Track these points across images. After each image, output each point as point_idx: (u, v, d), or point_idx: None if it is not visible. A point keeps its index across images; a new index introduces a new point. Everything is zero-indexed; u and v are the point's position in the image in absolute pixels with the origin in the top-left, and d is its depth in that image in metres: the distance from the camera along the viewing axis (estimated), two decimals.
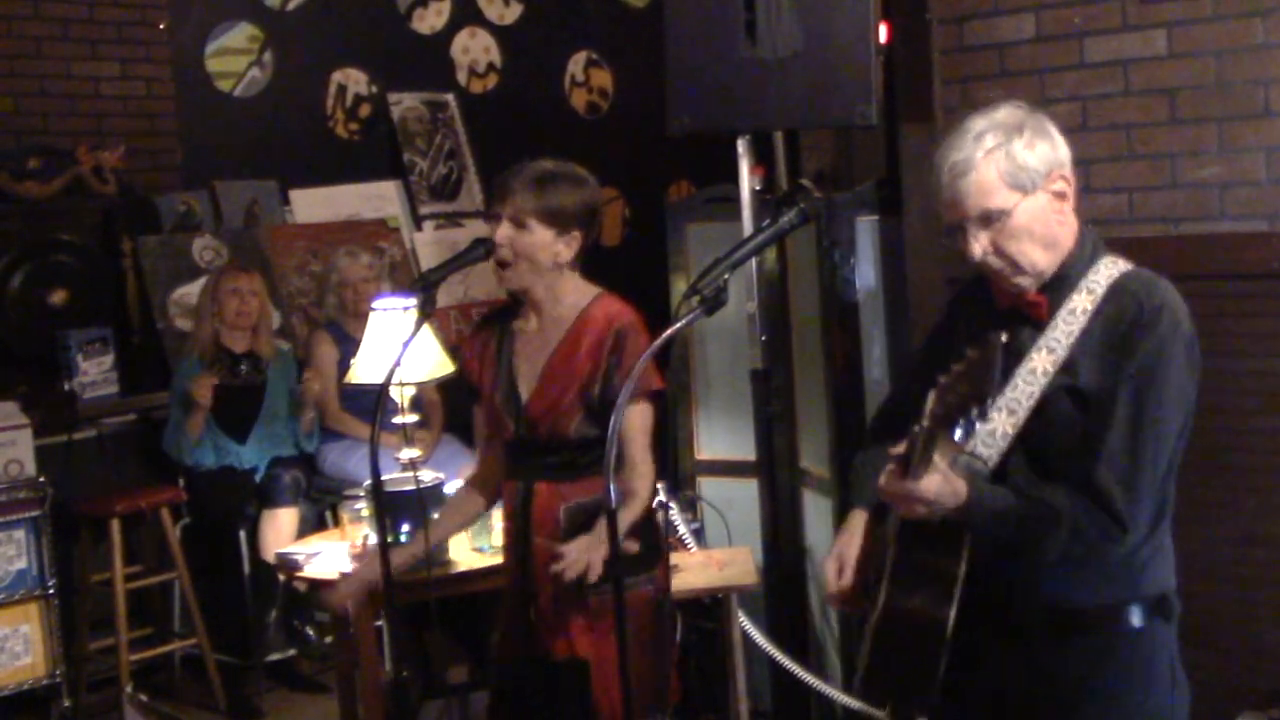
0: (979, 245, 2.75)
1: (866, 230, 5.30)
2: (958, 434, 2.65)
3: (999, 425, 2.72)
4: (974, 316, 2.95)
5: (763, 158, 5.06)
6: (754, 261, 4.63)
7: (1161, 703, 2.83)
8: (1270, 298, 4.52)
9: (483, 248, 3.73)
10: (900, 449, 2.64)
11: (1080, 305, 2.74)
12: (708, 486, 5.83)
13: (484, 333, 3.90)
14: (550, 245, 3.67)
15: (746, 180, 4.80)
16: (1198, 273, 4.59)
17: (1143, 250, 4.62)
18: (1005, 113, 2.79)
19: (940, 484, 2.60)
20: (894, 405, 3.18)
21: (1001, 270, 2.78)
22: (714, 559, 5.16)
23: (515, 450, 3.81)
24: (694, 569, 5.06)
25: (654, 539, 3.82)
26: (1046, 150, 2.76)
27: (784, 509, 5.28)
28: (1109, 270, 2.77)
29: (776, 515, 5.17)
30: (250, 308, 6.45)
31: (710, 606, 5.16)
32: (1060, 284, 2.78)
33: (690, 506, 5.66)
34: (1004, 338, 2.47)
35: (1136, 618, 2.79)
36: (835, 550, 2.96)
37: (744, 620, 5.05)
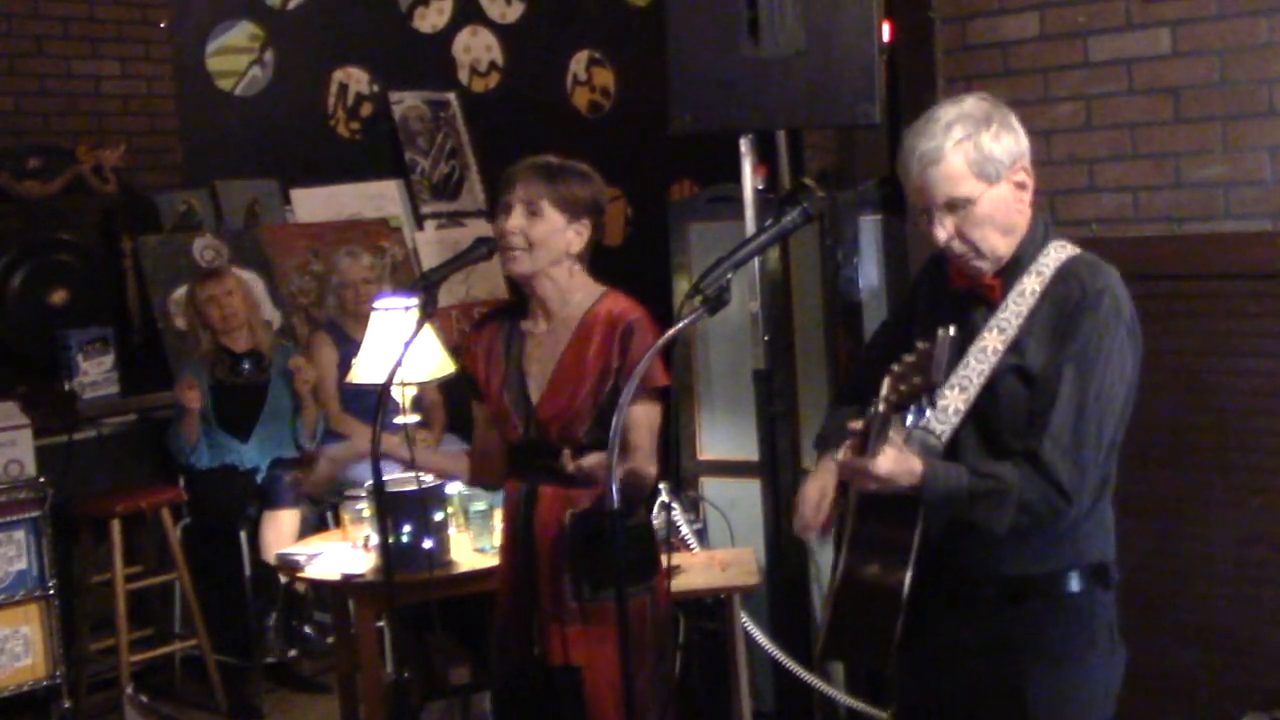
0: (944, 231, 2.90)
1: (869, 229, 5.29)
2: (909, 418, 2.79)
3: (951, 402, 2.87)
4: (932, 295, 3.11)
5: (765, 157, 5.05)
6: (757, 261, 4.62)
7: (1100, 663, 2.97)
8: (1274, 297, 4.51)
9: (485, 247, 3.71)
10: (858, 426, 2.80)
11: (1029, 287, 2.89)
12: (710, 487, 5.81)
13: (489, 330, 3.84)
14: (563, 232, 3.63)
15: (749, 179, 4.79)
16: (1201, 272, 4.59)
17: (1147, 250, 4.66)
18: (972, 104, 2.93)
19: (894, 462, 2.75)
20: (860, 373, 3.30)
21: (964, 255, 2.92)
22: (716, 559, 5.15)
23: (522, 451, 3.76)
24: (696, 569, 5.05)
25: (652, 549, 3.79)
26: (1011, 143, 2.90)
27: (786, 509, 5.25)
28: (1058, 254, 2.92)
29: (779, 516, 5.15)
30: (233, 309, 6.43)
31: (713, 607, 5.16)
32: (1013, 267, 2.93)
33: (693, 507, 5.64)
34: (951, 331, 2.65)
35: (1076, 583, 2.94)
36: (816, 482, 3.06)
37: (746, 621, 5.04)
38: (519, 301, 3.83)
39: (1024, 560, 2.91)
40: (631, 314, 3.64)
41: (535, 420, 3.68)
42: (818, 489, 3.03)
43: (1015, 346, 2.85)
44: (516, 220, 3.61)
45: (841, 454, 2.85)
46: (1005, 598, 2.94)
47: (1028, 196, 2.94)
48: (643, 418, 3.63)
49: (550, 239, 3.62)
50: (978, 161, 2.85)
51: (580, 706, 3.65)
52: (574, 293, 3.70)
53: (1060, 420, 2.79)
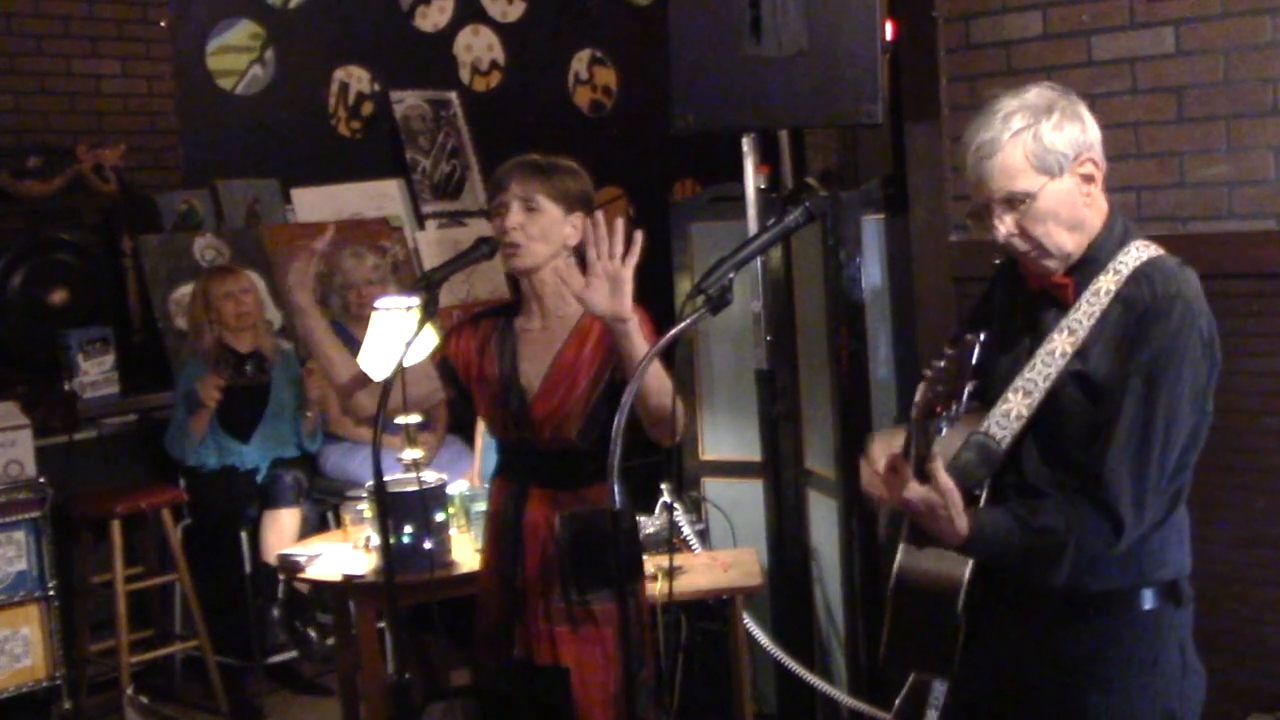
0: (1004, 227, 2.77)
1: (872, 229, 5.28)
2: (943, 428, 2.63)
3: (1014, 406, 2.75)
4: (1008, 293, 2.98)
5: (768, 156, 5.05)
6: (759, 261, 4.62)
7: (1169, 687, 2.83)
8: (1278, 297, 4.49)
9: (486, 246, 3.70)
10: (899, 441, 2.70)
11: (1104, 286, 2.74)
12: (712, 487, 5.80)
13: (483, 327, 3.83)
14: (561, 224, 3.65)
15: (751, 179, 4.79)
16: (1206, 272, 4.51)
17: None
18: (1036, 94, 2.79)
19: (929, 497, 2.61)
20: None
21: (1027, 252, 2.79)
22: (719, 560, 5.14)
23: (513, 450, 3.77)
24: (699, 570, 5.04)
25: (637, 551, 3.81)
26: (1075, 133, 2.76)
27: (789, 510, 5.26)
28: (1137, 254, 2.77)
29: (782, 516, 5.16)
30: (247, 307, 6.43)
31: (715, 608, 5.14)
32: (1087, 266, 2.78)
33: (695, 507, 5.64)
34: (982, 336, 2.53)
35: (1148, 601, 2.80)
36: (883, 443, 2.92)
37: (749, 622, 5.03)
38: (514, 300, 3.83)
39: (1091, 575, 2.78)
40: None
41: (529, 419, 3.67)
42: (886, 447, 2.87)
43: (1081, 352, 2.73)
44: (515, 217, 3.61)
45: (880, 463, 2.74)
46: (1068, 612, 2.81)
47: (1097, 189, 2.80)
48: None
49: (550, 232, 3.64)
50: (1037, 153, 2.72)
51: (569, 708, 3.65)
52: (569, 291, 3.67)
53: (1124, 440, 2.66)
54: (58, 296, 6.81)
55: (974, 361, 2.52)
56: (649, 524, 5.14)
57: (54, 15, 7.25)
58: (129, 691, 5.92)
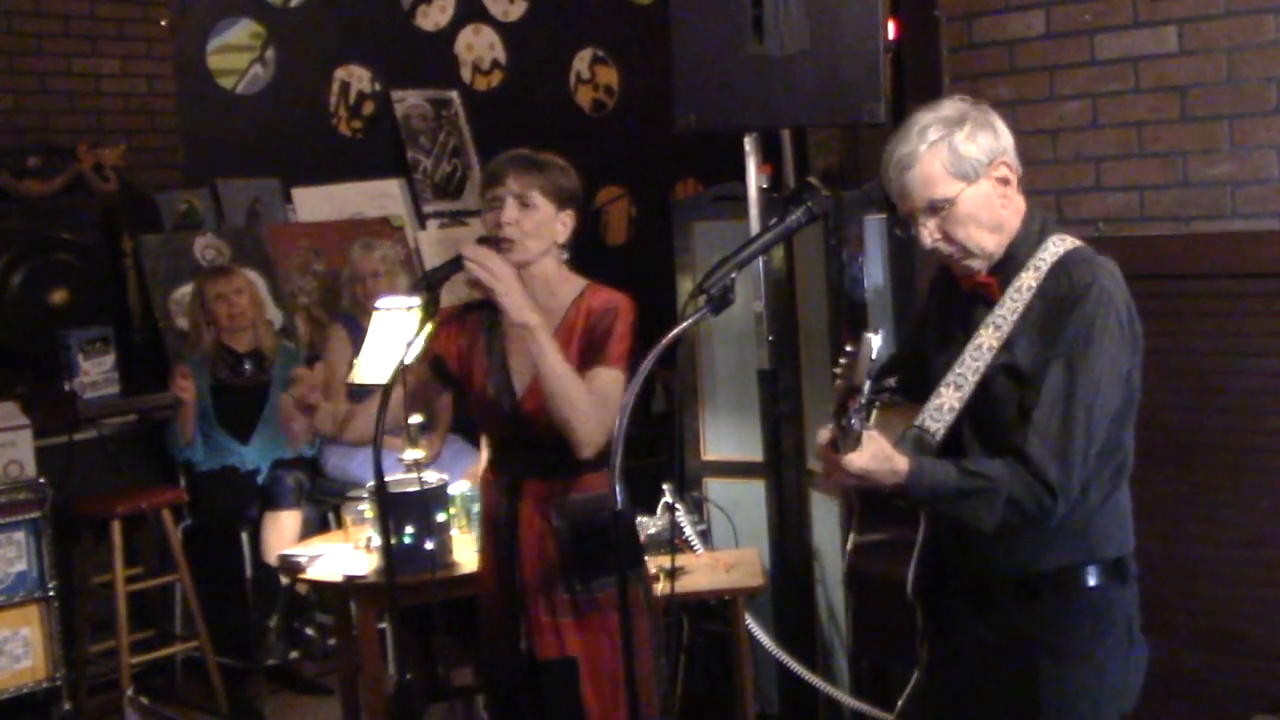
0: (928, 233, 2.93)
1: (875, 228, 5.26)
2: (853, 422, 2.70)
3: (946, 400, 2.90)
4: (944, 300, 3.14)
5: (770, 155, 5.04)
6: (761, 260, 4.61)
7: (1117, 659, 2.97)
8: None
9: (487, 246, 3.70)
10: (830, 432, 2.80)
11: (1025, 283, 2.90)
12: (714, 487, 5.79)
13: (470, 323, 3.84)
14: (553, 221, 3.69)
15: (754, 178, 4.79)
16: (1209, 272, 4.57)
17: (1154, 249, 4.64)
18: (949, 106, 2.96)
19: (870, 460, 2.72)
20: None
21: (952, 255, 2.96)
22: (720, 561, 5.13)
23: (504, 445, 3.79)
24: (700, 571, 5.04)
25: (635, 538, 3.87)
26: (988, 140, 2.92)
27: (791, 510, 5.25)
28: (1055, 248, 2.93)
29: (784, 516, 5.14)
30: (241, 308, 6.42)
31: (717, 609, 5.14)
32: (1008, 264, 2.94)
33: (697, 508, 5.63)
34: (879, 334, 2.64)
35: (1093, 578, 2.94)
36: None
37: (751, 622, 5.03)
38: None
39: (1039, 555, 2.92)
40: (613, 301, 3.68)
41: (520, 414, 3.69)
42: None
43: (1008, 345, 2.87)
44: (511, 213, 3.64)
45: (819, 450, 2.85)
46: (1020, 593, 2.95)
47: (1013, 191, 2.96)
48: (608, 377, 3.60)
49: (543, 228, 3.67)
50: (953, 162, 2.88)
51: (577, 699, 3.66)
52: (560, 285, 3.74)
53: (1046, 417, 2.80)
54: (58, 296, 6.80)
55: (873, 356, 2.62)
56: (651, 524, 5.14)
57: (54, 14, 7.24)
58: (129, 692, 5.90)
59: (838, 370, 2.73)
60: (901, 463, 2.76)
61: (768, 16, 4.43)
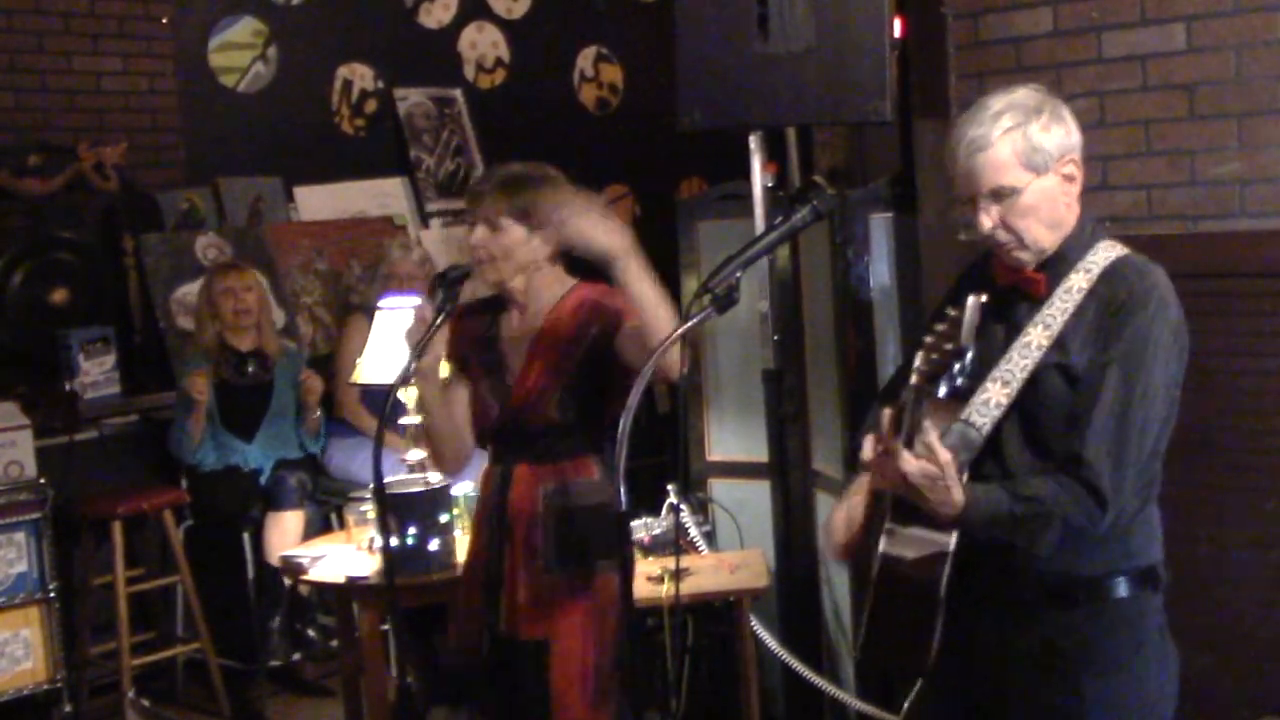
0: (989, 219, 2.89)
1: (880, 227, 5.24)
2: (943, 390, 2.71)
3: (993, 395, 2.84)
4: (977, 289, 3.05)
5: (775, 154, 5.03)
6: (766, 260, 4.60)
7: (1153, 668, 2.97)
8: None
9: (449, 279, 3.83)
10: (890, 412, 2.77)
11: (1076, 284, 2.87)
12: (719, 488, 5.79)
13: (474, 319, 3.98)
14: (525, 242, 3.78)
15: (759, 177, 4.79)
16: (1217, 271, 4.54)
17: (1161, 248, 4.56)
18: (1024, 94, 2.92)
19: (925, 470, 2.68)
20: (895, 385, 3.24)
21: (1007, 243, 2.92)
22: (725, 562, 5.13)
23: (499, 436, 3.88)
24: (705, 572, 5.03)
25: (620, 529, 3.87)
26: (1061, 134, 2.90)
27: (796, 511, 5.24)
28: (1106, 254, 2.91)
29: (789, 517, 5.13)
30: (247, 305, 6.40)
31: (721, 610, 5.14)
32: (1058, 263, 2.92)
33: (701, 508, 5.63)
34: (983, 298, 2.68)
35: (1124, 588, 2.92)
36: (846, 505, 3.08)
37: (756, 624, 5.01)
38: (497, 297, 3.97)
39: (1070, 563, 2.88)
40: (597, 293, 3.80)
41: (510, 403, 3.80)
42: (844, 515, 3.06)
43: (1059, 344, 2.84)
44: (480, 235, 3.77)
45: (867, 448, 2.83)
46: (1051, 602, 2.91)
47: (1076, 190, 2.94)
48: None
49: (513, 251, 3.78)
50: (1025, 151, 2.85)
51: (546, 679, 3.74)
52: (545, 288, 3.86)
53: (1103, 422, 2.78)
54: (58, 296, 6.78)
55: (977, 322, 2.62)
56: (655, 525, 5.13)
57: (55, 12, 7.21)
58: (130, 694, 5.91)
59: (930, 339, 2.67)
60: (959, 492, 2.73)
61: (773, 14, 4.44)
